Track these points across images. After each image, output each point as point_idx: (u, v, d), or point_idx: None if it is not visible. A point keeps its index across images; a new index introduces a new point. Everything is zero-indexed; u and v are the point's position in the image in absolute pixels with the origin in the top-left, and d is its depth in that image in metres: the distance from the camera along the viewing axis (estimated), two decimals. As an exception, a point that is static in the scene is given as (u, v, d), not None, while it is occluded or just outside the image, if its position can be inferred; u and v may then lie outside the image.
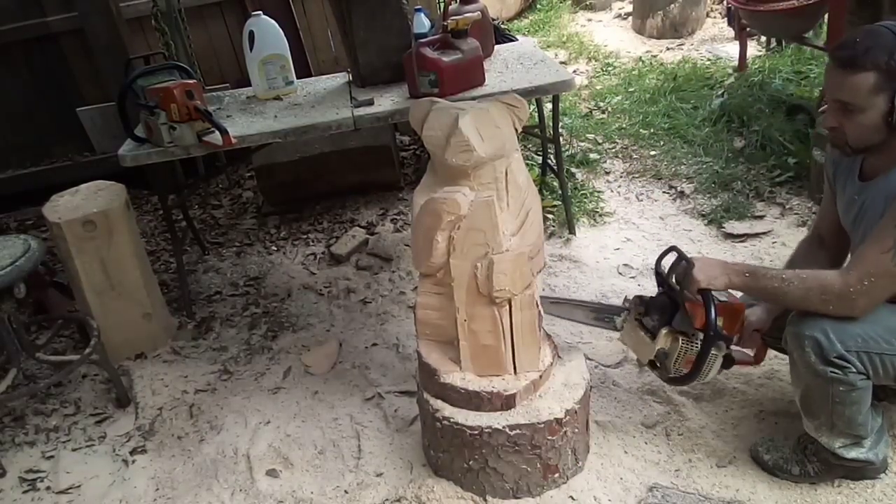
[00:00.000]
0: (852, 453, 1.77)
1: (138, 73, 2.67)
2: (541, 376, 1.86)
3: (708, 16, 6.12)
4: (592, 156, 3.90)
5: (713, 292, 1.72)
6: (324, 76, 3.33)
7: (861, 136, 1.62)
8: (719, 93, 4.33)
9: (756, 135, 3.70)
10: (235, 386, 2.54)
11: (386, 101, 2.72)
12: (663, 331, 1.78)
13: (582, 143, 4.08)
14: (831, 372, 1.61)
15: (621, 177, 3.73)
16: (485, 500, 1.88)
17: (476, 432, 1.80)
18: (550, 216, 3.31)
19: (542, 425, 1.79)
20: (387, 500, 1.95)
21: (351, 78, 3.07)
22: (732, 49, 5.04)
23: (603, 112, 4.55)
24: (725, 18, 5.67)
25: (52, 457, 2.31)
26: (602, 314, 2.01)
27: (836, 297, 1.59)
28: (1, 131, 4.28)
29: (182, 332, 2.90)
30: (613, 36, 6.15)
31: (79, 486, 2.18)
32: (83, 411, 2.51)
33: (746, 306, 1.83)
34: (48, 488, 2.19)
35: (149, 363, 2.71)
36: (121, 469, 2.23)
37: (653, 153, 3.88)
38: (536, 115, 3.51)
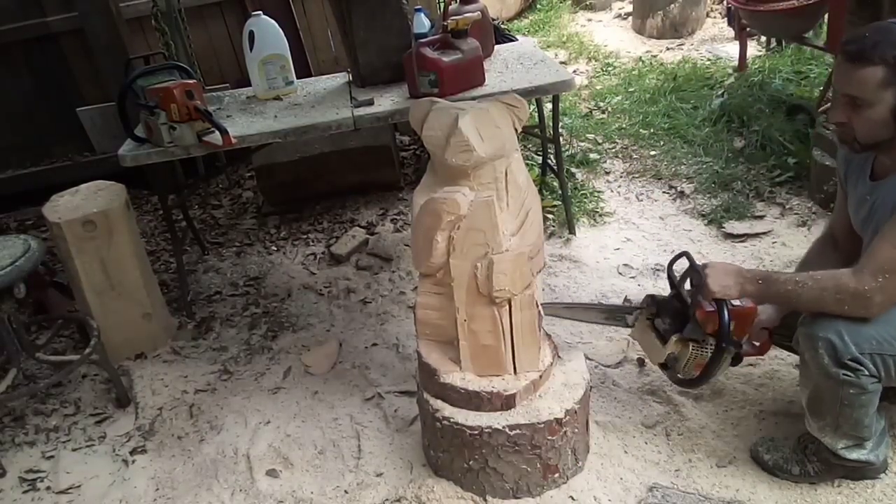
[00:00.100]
0: (854, 454, 1.77)
1: (138, 73, 2.67)
2: (541, 376, 1.86)
3: (708, 16, 6.12)
4: (592, 156, 3.90)
5: None
6: (324, 76, 3.33)
7: (869, 131, 1.61)
8: (719, 93, 4.33)
9: (756, 135, 3.70)
10: (235, 386, 2.54)
11: (386, 101, 2.72)
12: (674, 338, 1.79)
13: (582, 143, 4.08)
14: (843, 374, 1.61)
15: (621, 177, 3.73)
16: (485, 500, 1.88)
17: (476, 432, 1.80)
18: (550, 216, 3.31)
19: (542, 425, 1.79)
20: (387, 500, 1.95)
21: (351, 78, 3.07)
22: (732, 49, 5.04)
23: (603, 112, 4.55)
24: (725, 18, 5.67)
25: (52, 457, 2.31)
26: (614, 313, 2.02)
27: (850, 297, 1.58)
28: (1, 131, 4.27)
29: (182, 332, 2.90)
30: (613, 36, 6.15)
31: (79, 486, 2.18)
32: (83, 411, 2.51)
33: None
34: (48, 488, 2.19)
35: (149, 363, 2.71)
36: (121, 469, 2.23)
37: (653, 153, 3.88)
38: (536, 115, 3.51)
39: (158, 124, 2.46)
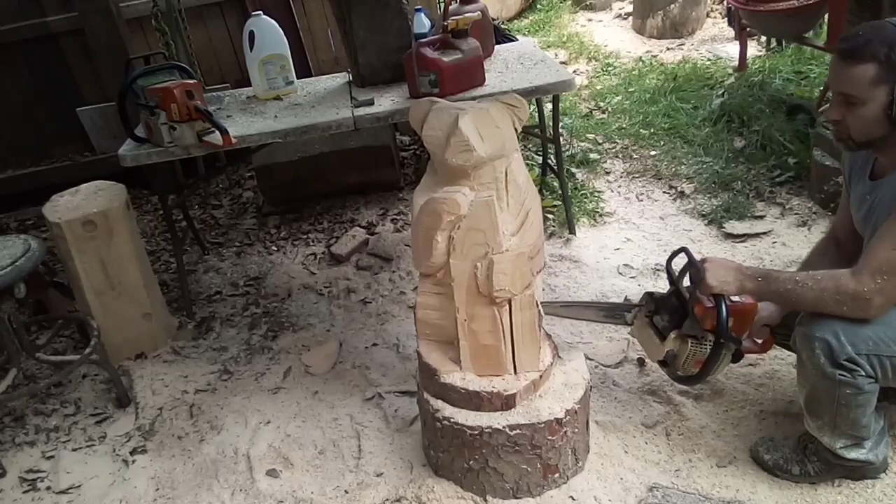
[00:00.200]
0: (853, 454, 1.77)
1: (138, 73, 2.67)
2: (541, 376, 1.86)
3: (708, 16, 6.11)
4: (592, 156, 3.90)
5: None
6: (324, 76, 3.33)
7: (863, 129, 1.62)
8: (719, 93, 4.33)
9: (756, 135, 3.70)
10: (235, 386, 2.54)
11: (386, 101, 2.72)
12: (672, 334, 1.79)
13: (582, 143, 4.08)
14: (840, 374, 1.61)
15: (621, 177, 3.73)
16: (485, 500, 1.88)
17: (476, 432, 1.80)
18: (550, 216, 3.31)
19: (542, 425, 1.79)
20: (387, 500, 1.95)
21: (351, 78, 3.07)
22: (732, 49, 5.04)
23: (603, 112, 4.55)
24: (725, 18, 5.67)
25: (52, 457, 2.31)
26: (612, 311, 2.02)
27: (850, 298, 1.59)
28: (1, 131, 4.27)
29: (182, 332, 2.90)
30: (613, 36, 6.15)
31: (79, 486, 2.18)
32: (83, 411, 2.51)
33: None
34: (48, 488, 2.19)
35: (149, 363, 2.71)
36: (121, 469, 2.23)
37: (653, 153, 3.88)
38: (536, 115, 3.51)
39: (158, 124, 2.46)
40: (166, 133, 2.48)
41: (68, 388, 2.63)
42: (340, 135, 3.14)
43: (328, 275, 3.18)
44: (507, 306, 1.78)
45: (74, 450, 2.33)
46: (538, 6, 7.34)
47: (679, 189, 3.49)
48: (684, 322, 1.77)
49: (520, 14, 7.21)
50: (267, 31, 2.92)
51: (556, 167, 3.23)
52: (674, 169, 3.68)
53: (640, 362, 2.37)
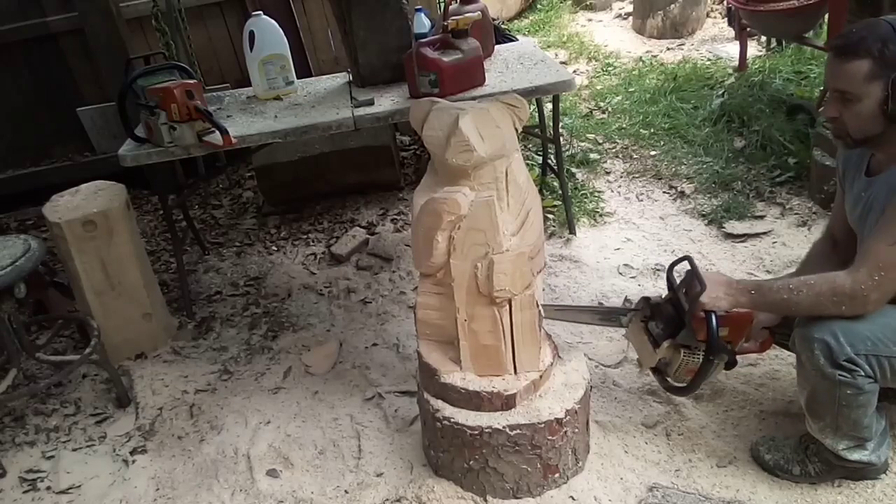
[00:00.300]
0: (855, 455, 1.77)
1: (138, 73, 2.67)
2: (541, 376, 1.86)
3: (708, 16, 6.11)
4: (592, 156, 3.90)
5: None
6: (324, 76, 3.33)
7: (860, 125, 1.62)
8: (719, 93, 4.33)
9: (756, 135, 3.70)
10: (235, 386, 2.54)
11: (386, 101, 2.72)
12: (665, 343, 1.79)
13: (582, 143, 4.08)
14: (840, 375, 1.61)
15: (621, 177, 3.73)
16: (485, 500, 1.88)
17: (476, 432, 1.80)
18: (550, 216, 3.31)
19: (543, 425, 1.79)
20: (387, 500, 1.95)
21: (351, 78, 3.07)
22: (732, 49, 5.04)
23: (603, 112, 4.55)
24: (725, 18, 5.67)
25: (52, 457, 2.31)
26: (609, 315, 2.02)
27: (848, 298, 1.59)
28: (1, 131, 4.27)
29: (182, 332, 2.90)
30: (613, 36, 6.15)
31: (79, 486, 2.18)
32: (83, 411, 2.51)
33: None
34: (48, 488, 2.19)
35: (149, 363, 2.71)
36: (121, 469, 2.23)
37: (653, 153, 3.88)
38: (536, 115, 3.50)
39: (158, 124, 2.46)
40: (166, 133, 2.48)
41: (68, 388, 2.63)
42: (340, 135, 3.14)
43: (328, 275, 3.18)
44: (508, 306, 1.78)
45: (74, 450, 2.33)
46: (538, 6, 7.34)
47: (679, 189, 3.49)
48: (679, 332, 1.77)
49: (520, 14, 7.21)
50: (267, 31, 2.92)
51: (556, 167, 3.23)
52: (674, 169, 3.68)
53: (640, 363, 2.36)
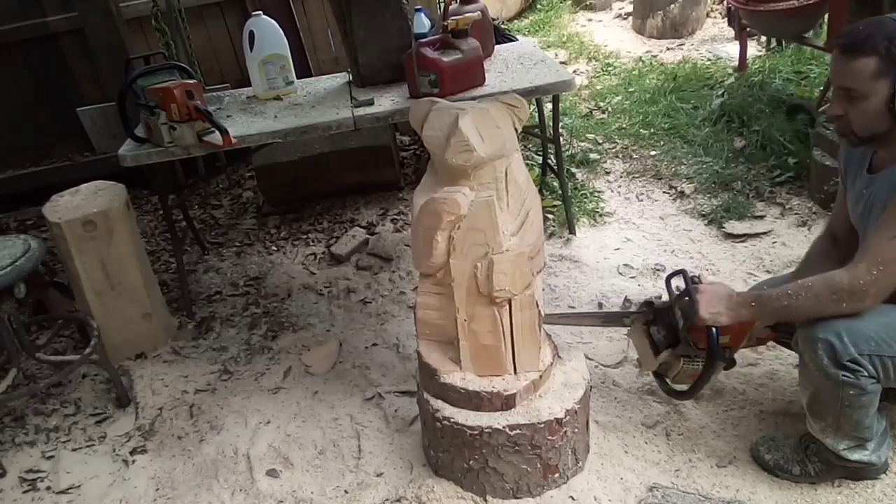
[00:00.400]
0: (856, 455, 1.76)
1: (138, 73, 2.67)
2: (541, 376, 1.86)
3: (708, 16, 6.11)
4: (592, 156, 3.90)
5: None
6: (324, 76, 3.33)
7: (865, 123, 1.62)
8: (719, 93, 4.33)
9: (756, 135, 3.70)
10: (235, 386, 2.54)
11: (386, 101, 2.72)
12: (665, 352, 1.80)
13: (582, 143, 4.08)
14: (843, 375, 1.61)
15: (621, 177, 3.73)
16: (485, 500, 1.88)
17: (476, 432, 1.80)
18: (550, 216, 3.31)
19: (542, 425, 1.79)
20: (387, 500, 1.95)
21: (351, 78, 3.07)
22: (732, 49, 5.04)
23: (603, 112, 4.55)
24: (725, 18, 5.67)
25: (52, 457, 2.31)
26: (611, 318, 2.03)
27: (847, 293, 1.59)
28: (1, 131, 4.27)
29: (182, 332, 2.90)
30: (613, 36, 6.15)
31: (79, 486, 2.18)
32: (83, 411, 2.51)
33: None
34: (48, 488, 2.19)
35: (149, 363, 2.71)
36: (121, 469, 2.23)
37: (653, 153, 3.88)
38: (536, 115, 3.50)
39: (158, 124, 2.46)
40: (166, 133, 2.48)
41: (68, 388, 2.63)
42: (340, 135, 3.14)
43: (328, 275, 3.18)
44: (507, 306, 1.78)
45: (74, 450, 2.33)
46: (538, 6, 7.34)
47: (679, 189, 3.49)
48: (678, 343, 1.78)
49: (520, 14, 7.21)
50: (267, 31, 2.92)
51: (556, 167, 3.23)
52: (674, 169, 3.68)
53: (640, 362, 2.37)
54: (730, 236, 3.07)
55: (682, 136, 3.97)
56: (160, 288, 2.95)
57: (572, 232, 3.20)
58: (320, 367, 2.57)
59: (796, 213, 3.15)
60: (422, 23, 3.17)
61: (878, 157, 1.72)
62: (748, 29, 4.63)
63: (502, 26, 5.74)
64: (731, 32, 5.38)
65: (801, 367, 1.73)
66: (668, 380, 1.89)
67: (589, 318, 2.13)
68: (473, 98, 2.54)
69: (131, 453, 2.28)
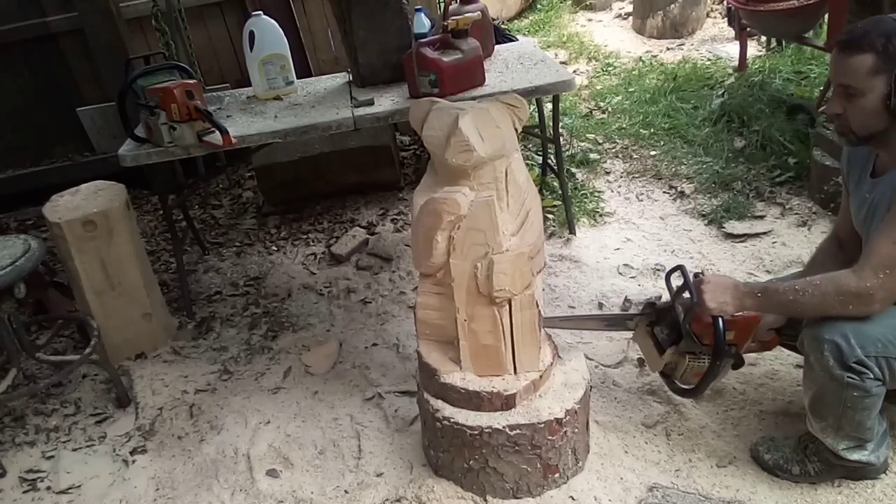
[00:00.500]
0: (855, 455, 1.76)
1: (138, 73, 2.67)
2: (541, 376, 1.86)
3: (708, 16, 6.11)
4: (592, 156, 3.90)
5: None
6: (324, 76, 3.33)
7: (863, 121, 1.62)
8: (719, 93, 4.33)
9: (756, 135, 3.70)
10: (235, 386, 2.54)
11: (386, 101, 2.72)
12: (669, 350, 1.79)
13: (582, 143, 4.08)
14: (848, 377, 1.61)
15: (621, 177, 3.73)
16: (485, 500, 1.88)
17: (476, 432, 1.80)
18: (550, 216, 3.31)
19: (542, 425, 1.79)
20: (387, 500, 1.95)
21: (351, 78, 3.07)
22: (732, 49, 5.04)
23: (603, 112, 4.55)
24: (725, 18, 5.67)
25: (52, 457, 2.31)
26: (615, 321, 2.03)
27: (853, 296, 1.58)
28: (1, 131, 4.28)
29: (182, 332, 2.90)
30: (613, 36, 6.15)
31: (79, 486, 2.18)
32: (83, 411, 2.51)
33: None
34: (48, 488, 2.19)
35: (149, 363, 2.71)
36: (121, 469, 2.23)
37: (653, 153, 3.88)
38: (536, 115, 3.50)
39: (158, 124, 2.46)
40: (166, 133, 2.48)
41: (68, 388, 2.63)
42: (340, 135, 3.14)
43: (328, 275, 3.18)
44: (507, 306, 1.78)
45: (74, 450, 2.33)
46: (538, 6, 7.34)
47: (679, 189, 3.49)
48: (681, 339, 1.77)
49: (520, 14, 7.22)
50: (267, 31, 2.92)
51: (556, 167, 3.23)
52: (674, 169, 3.68)
53: (640, 362, 2.37)
54: (730, 236, 3.07)
55: (682, 136, 3.97)
56: (160, 288, 2.95)
57: (572, 232, 3.20)
58: (320, 367, 2.57)
59: (796, 213, 3.15)
60: (422, 23, 3.17)
61: (881, 160, 1.72)
62: (748, 29, 4.63)
63: (502, 26, 5.74)
64: (731, 32, 5.38)
65: (806, 367, 1.73)
66: (675, 381, 1.88)
67: (592, 321, 2.13)
68: (473, 98, 2.54)
69: (131, 453, 2.28)
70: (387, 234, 3.41)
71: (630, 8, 6.50)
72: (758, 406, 2.12)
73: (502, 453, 1.81)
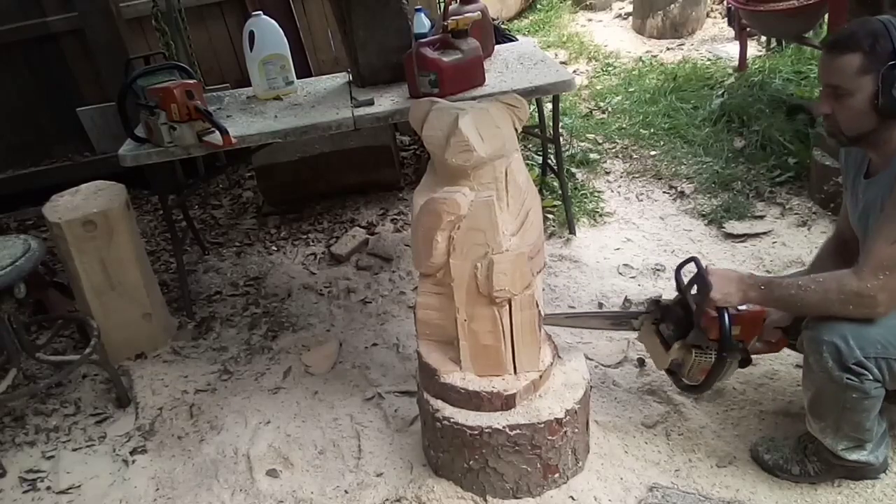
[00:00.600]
0: (854, 455, 1.77)
1: (138, 73, 2.67)
2: (541, 376, 1.86)
3: (708, 16, 6.11)
4: (592, 156, 3.90)
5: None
6: (324, 76, 3.33)
7: (852, 122, 1.63)
8: (719, 93, 4.33)
9: (756, 135, 3.70)
10: (235, 386, 2.54)
11: (386, 101, 2.72)
12: (676, 344, 1.79)
13: (582, 143, 4.08)
14: (847, 378, 1.61)
15: (621, 177, 3.73)
16: (485, 500, 1.88)
17: (476, 432, 1.80)
18: (550, 216, 3.31)
19: (542, 425, 1.79)
20: (387, 500, 1.95)
21: (351, 78, 3.07)
22: (732, 49, 5.04)
23: (603, 112, 4.55)
24: (725, 18, 5.67)
25: (52, 457, 2.31)
26: (619, 319, 2.02)
27: (854, 297, 1.58)
28: (1, 131, 4.28)
29: (182, 332, 2.90)
30: (613, 36, 6.15)
31: (79, 486, 2.18)
32: (83, 411, 2.51)
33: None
34: (48, 488, 2.19)
35: (149, 363, 2.71)
36: (121, 469, 2.23)
37: (653, 153, 3.88)
38: (536, 115, 3.51)
39: (158, 124, 2.46)
40: (166, 133, 2.48)
41: (68, 388, 2.63)
42: (340, 135, 3.14)
43: (328, 275, 3.18)
44: (507, 306, 1.78)
45: (74, 450, 2.33)
46: (538, 6, 7.34)
47: (679, 189, 3.49)
48: (689, 332, 1.77)
49: (520, 14, 7.21)
50: (267, 31, 2.92)
51: (556, 167, 3.23)
52: (674, 169, 3.68)
53: (640, 362, 2.37)
54: (730, 236, 3.07)
55: (682, 136, 3.97)
56: (160, 288, 2.95)
57: (572, 232, 3.20)
58: (320, 367, 2.57)
59: (796, 213, 3.15)
60: (422, 23, 3.17)
61: (874, 162, 1.72)
62: (748, 29, 4.63)
63: (502, 26, 5.74)
64: (731, 32, 5.38)
65: (805, 368, 1.72)
66: (682, 378, 1.87)
67: (596, 319, 2.12)
68: (473, 98, 2.54)
69: (131, 453, 2.28)
70: (387, 234, 3.41)
71: (630, 8, 6.50)
72: (758, 406, 2.12)
73: (502, 453, 1.81)
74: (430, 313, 1.90)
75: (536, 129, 3.49)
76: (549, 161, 3.49)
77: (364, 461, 2.10)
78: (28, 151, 4.34)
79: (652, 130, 4.10)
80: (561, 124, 3.30)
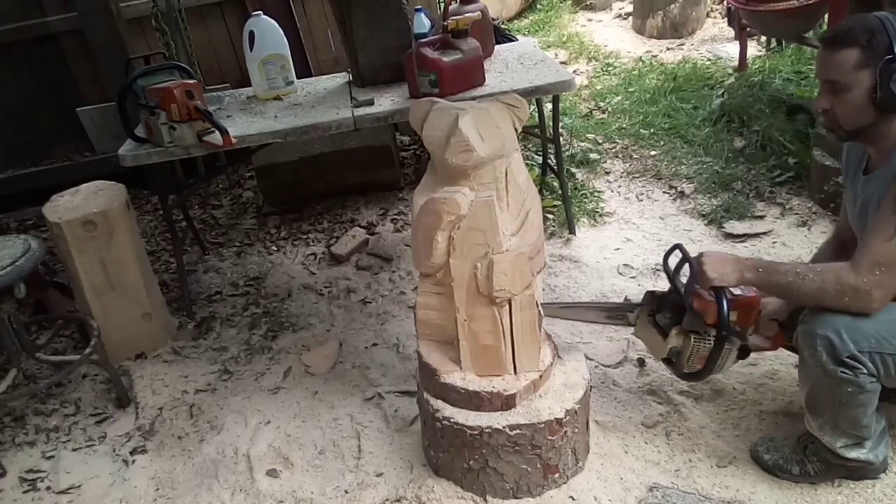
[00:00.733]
0: (853, 453, 1.77)
1: (138, 73, 2.67)
2: (541, 376, 1.86)
3: (708, 16, 6.11)
4: (592, 156, 3.90)
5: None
6: (324, 76, 3.33)
7: (850, 116, 1.64)
8: (719, 93, 4.33)
9: (756, 135, 3.70)
10: (235, 386, 2.54)
11: (386, 101, 2.72)
12: (674, 330, 1.79)
13: (582, 143, 4.08)
14: (842, 372, 1.61)
15: (621, 177, 3.73)
16: (485, 500, 1.88)
17: (476, 432, 1.80)
18: (550, 216, 3.31)
19: (542, 425, 1.79)
20: (387, 500, 1.95)
21: (351, 78, 3.07)
22: (732, 49, 5.04)
23: (603, 112, 4.55)
24: (725, 18, 5.67)
25: (52, 457, 2.31)
26: (615, 312, 2.02)
27: (850, 290, 1.59)
28: (1, 131, 4.28)
29: (182, 332, 2.90)
30: (613, 36, 6.15)
31: (79, 486, 2.18)
32: (83, 411, 2.51)
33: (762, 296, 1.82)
34: (48, 488, 2.19)
35: (149, 363, 2.71)
36: (121, 469, 2.23)
37: (653, 153, 3.88)
38: (536, 115, 3.51)
39: (158, 124, 2.46)
40: (166, 133, 2.48)
41: (68, 388, 2.63)
42: (340, 135, 3.14)
43: (328, 275, 3.18)
44: (507, 306, 1.78)
45: (74, 450, 2.33)
46: (538, 6, 7.34)
47: (679, 189, 3.49)
48: (684, 318, 1.77)
49: (520, 14, 7.22)
50: (267, 31, 2.92)
51: (556, 167, 3.23)
52: (674, 169, 3.68)
53: (640, 362, 2.37)
54: (730, 236, 3.07)
55: (682, 136, 3.97)
56: (160, 288, 2.95)
57: (572, 232, 3.20)
58: (320, 367, 2.57)
59: (796, 213, 3.15)
60: (422, 23, 3.17)
61: (872, 158, 1.73)
62: (748, 29, 4.63)
63: (502, 26, 5.75)
64: (731, 32, 5.38)
65: (801, 362, 1.73)
66: (681, 367, 1.87)
67: (592, 311, 2.11)
68: (473, 98, 2.54)
69: (131, 453, 2.28)
70: (387, 234, 3.41)
71: (630, 8, 6.50)
72: (758, 406, 2.12)
73: (502, 453, 1.81)
74: (430, 313, 1.90)
75: (536, 129, 3.49)
76: (549, 161, 3.49)
77: (364, 461, 2.10)
78: (28, 151, 4.34)
79: (652, 130, 4.10)
80: (561, 124, 3.30)
